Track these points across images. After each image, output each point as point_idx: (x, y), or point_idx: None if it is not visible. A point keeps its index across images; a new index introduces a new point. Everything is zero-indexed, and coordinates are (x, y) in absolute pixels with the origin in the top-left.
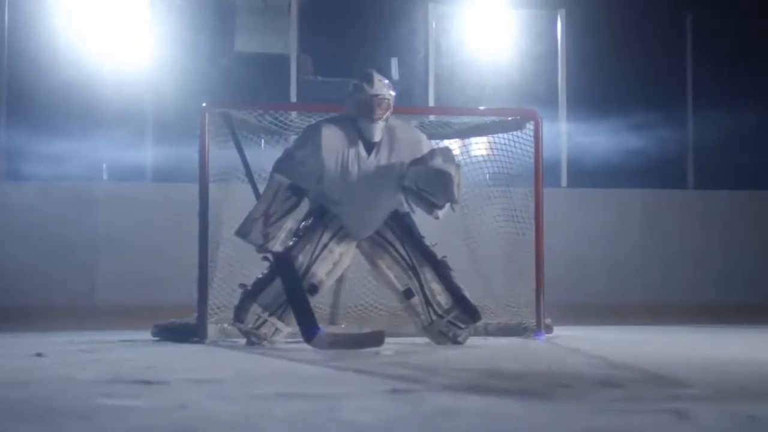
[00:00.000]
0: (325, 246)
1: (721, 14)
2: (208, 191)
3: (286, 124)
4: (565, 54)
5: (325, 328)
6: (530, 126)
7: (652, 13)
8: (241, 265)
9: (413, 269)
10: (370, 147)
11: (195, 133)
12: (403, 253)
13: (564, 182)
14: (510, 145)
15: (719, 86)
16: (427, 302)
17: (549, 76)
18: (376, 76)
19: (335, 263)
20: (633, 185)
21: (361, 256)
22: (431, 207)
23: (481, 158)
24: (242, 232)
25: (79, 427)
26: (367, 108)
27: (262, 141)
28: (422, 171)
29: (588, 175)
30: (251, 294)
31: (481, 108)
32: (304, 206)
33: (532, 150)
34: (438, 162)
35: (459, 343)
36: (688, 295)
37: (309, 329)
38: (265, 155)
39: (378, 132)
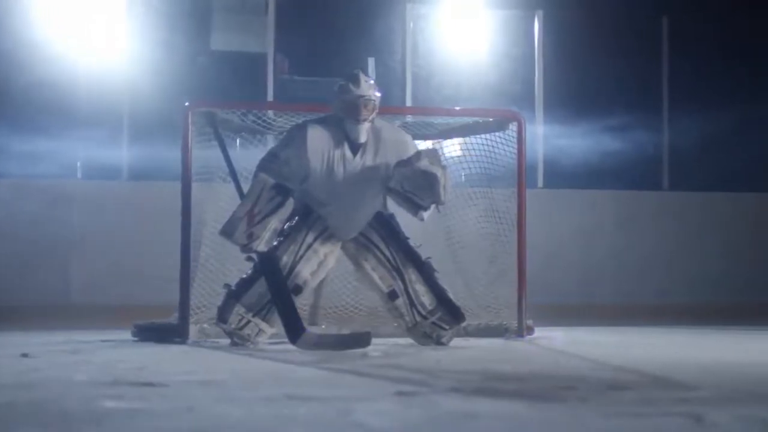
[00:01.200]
0: (309, 246)
1: (697, 16)
2: (190, 190)
3: (269, 123)
4: (542, 55)
5: (309, 329)
6: (513, 127)
7: (629, 15)
8: (222, 265)
9: (398, 270)
10: (355, 148)
11: (172, 132)
12: (388, 254)
13: (540, 183)
14: (493, 146)
15: (695, 88)
16: (411, 303)
17: (526, 77)
18: (362, 77)
19: (320, 264)
20: (608, 186)
21: (344, 257)
22: (416, 208)
23: (463, 159)
24: (226, 232)
25: (96, 430)
26: (353, 109)
27: (237, 140)
28: (408, 173)
29: (564, 175)
30: (235, 294)
31: (465, 109)
32: (289, 206)
33: (515, 151)
34: (424, 164)
35: (442, 344)
36: (662, 296)
37: (294, 330)
38: (243, 154)
39: (363, 133)
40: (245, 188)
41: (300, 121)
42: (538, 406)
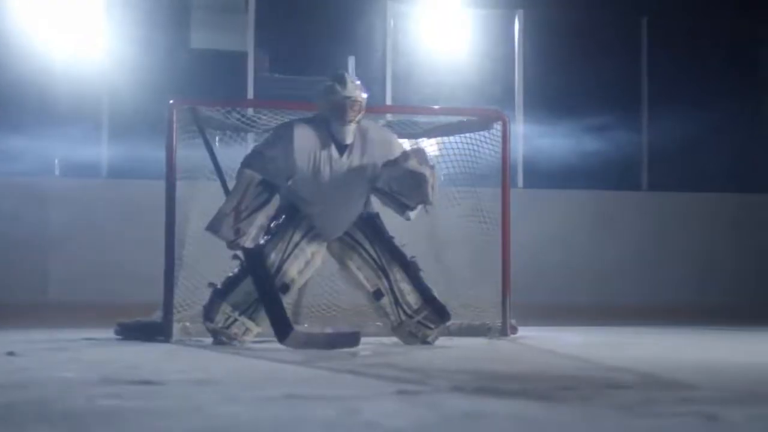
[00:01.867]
0: (296, 245)
1: (677, 17)
2: (175, 188)
3: (252, 121)
4: (522, 54)
5: (297, 328)
6: (497, 126)
7: (609, 15)
8: (206, 263)
9: (383, 270)
10: (342, 148)
11: (152, 130)
12: (373, 253)
13: (520, 183)
14: (477, 145)
15: (674, 88)
16: (397, 302)
17: (506, 77)
18: (349, 78)
19: (307, 262)
20: (588, 186)
21: (329, 256)
22: (403, 208)
23: (447, 158)
24: (213, 228)
25: (110, 430)
26: (340, 110)
27: (217, 138)
28: (396, 173)
29: (544, 175)
30: (221, 293)
31: (450, 108)
32: (275, 202)
33: (499, 150)
34: (412, 164)
35: (428, 343)
36: (641, 296)
37: (282, 328)
38: (226, 152)
39: (350, 134)
40: (231, 185)
41: (287, 120)
42: (548, 406)
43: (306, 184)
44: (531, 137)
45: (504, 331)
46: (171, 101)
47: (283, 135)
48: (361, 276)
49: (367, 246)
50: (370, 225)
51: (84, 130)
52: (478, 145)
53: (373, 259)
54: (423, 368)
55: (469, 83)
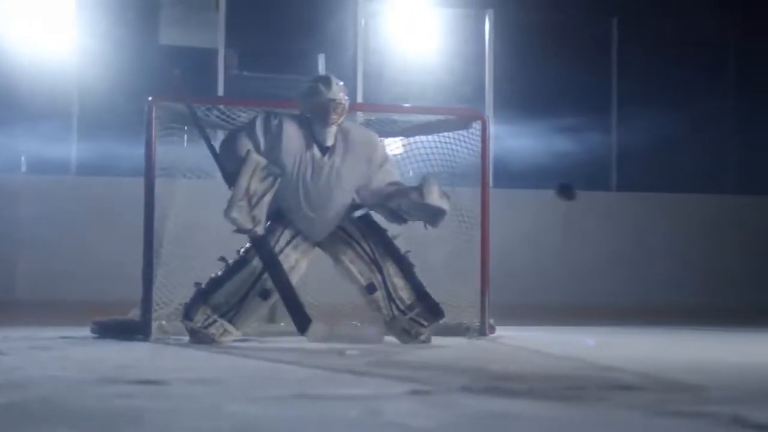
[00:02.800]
0: (281, 251)
1: (647, 18)
2: (154, 185)
3: (233, 119)
4: (492, 54)
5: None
6: (476, 126)
7: (579, 16)
8: (183, 261)
9: (376, 263)
10: (324, 149)
11: (123, 126)
12: (366, 247)
13: (490, 182)
14: (455, 145)
15: (644, 89)
16: (390, 297)
17: (476, 76)
18: (334, 80)
19: (291, 268)
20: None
21: (317, 259)
22: (399, 220)
23: (425, 157)
24: (233, 218)
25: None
26: (323, 112)
27: (185, 137)
28: (415, 201)
29: (514, 175)
30: (204, 293)
31: (429, 107)
32: (276, 187)
33: (477, 149)
34: (434, 198)
35: (422, 341)
36: (611, 297)
37: (301, 319)
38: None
39: (331, 136)
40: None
41: (270, 111)
42: (565, 407)
43: (289, 185)
44: (501, 137)
45: (482, 330)
46: (150, 98)
47: (273, 130)
48: (354, 270)
49: (360, 240)
50: (363, 219)
51: (53, 126)
52: (456, 145)
53: (366, 253)
54: (424, 368)
55: (439, 82)
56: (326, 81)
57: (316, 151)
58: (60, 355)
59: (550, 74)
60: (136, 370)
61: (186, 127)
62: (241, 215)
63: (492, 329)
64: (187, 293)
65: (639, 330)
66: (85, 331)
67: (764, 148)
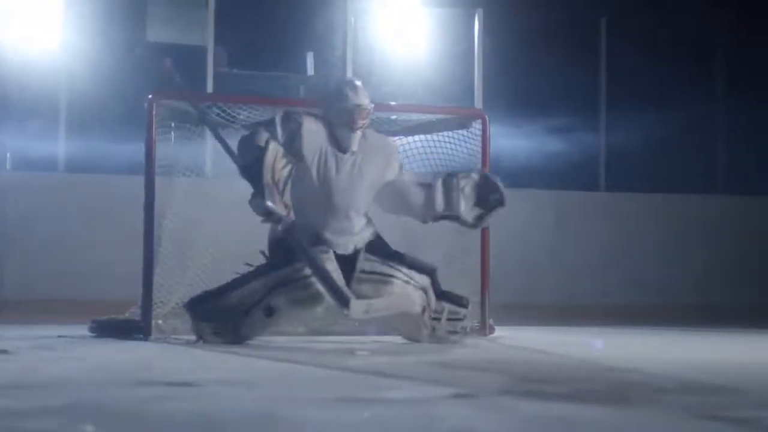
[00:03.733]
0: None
1: (635, 18)
2: (154, 183)
3: (233, 117)
4: (481, 54)
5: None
6: (476, 125)
7: (568, 16)
8: (179, 261)
9: (422, 288)
10: (345, 151)
11: (111, 123)
12: (403, 276)
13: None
14: (455, 144)
15: (633, 89)
16: (426, 311)
17: (465, 76)
18: (359, 85)
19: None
20: (546, 186)
21: None
22: (430, 215)
23: (425, 156)
24: (267, 205)
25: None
26: (349, 117)
27: (172, 135)
28: (488, 181)
29: (502, 175)
30: (213, 295)
31: (430, 106)
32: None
33: (477, 148)
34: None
35: (466, 335)
36: (599, 297)
37: (343, 297)
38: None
39: (355, 142)
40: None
41: (290, 109)
42: (620, 410)
43: (311, 181)
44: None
45: (482, 330)
46: (150, 95)
47: (291, 121)
48: (405, 301)
49: (395, 272)
50: (381, 251)
51: (41, 123)
52: (456, 144)
53: (407, 282)
54: (449, 368)
55: (428, 82)
56: (352, 85)
57: (337, 150)
58: (68, 355)
59: (540, 74)
60: (160, 371)
61: (188, 125)
62: (275, 201)
63: (492, 329)
64: (184, 292)
65: (637, 330)
66: (78, 330)
67: (754, 148)
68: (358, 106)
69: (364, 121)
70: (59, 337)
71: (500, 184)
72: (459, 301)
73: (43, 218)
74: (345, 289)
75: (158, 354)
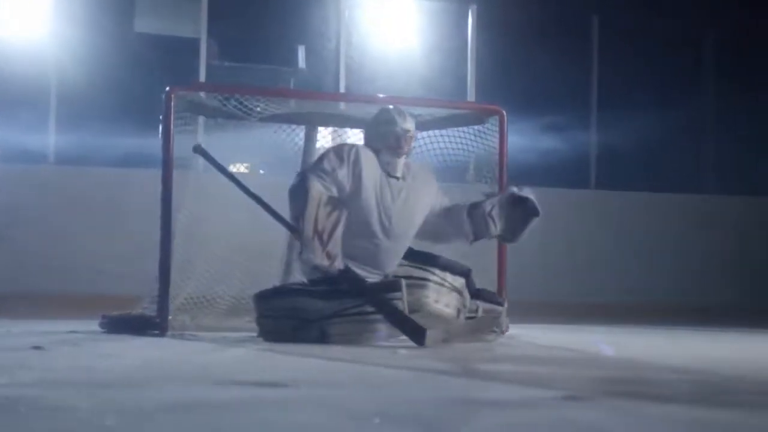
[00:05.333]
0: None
1: (628, 15)
2: (171, 178)
3: (249, 109)
4: (475, 49)
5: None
6: (492, 121)
7: (561, 13)
8: (190, 256)
9: (458, 291)
10: (393, 175)
11: (102, 116)
12: (438, 279)
13: (471, 179)
14: (470, 139)
15: (624, 87)
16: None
17: (458, 71)
18: (405, 111)
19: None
20: (536, 183)
21: None
22: (478, 234)
23: (438, 151)
24: (307, 259)
25: None
26: (396, 142)
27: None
28: (511, 195)
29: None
30: (278, 293)
31: (446, 101)
32: (344, 217)
33: (491, 144)
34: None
35: (503, 331)
36: (586, 295)
37: (416, 332)
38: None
39: (400, 167)
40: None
41: (344, 143)
42: (745, 413)
43: (369, 210)
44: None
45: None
46: (168, 87)
47: (348, 154)
48: (441, 306)
49: (430, 275)
50: (414, 255)
51: (30, 115)
52: (471, 139)
53: (441, 284)
54: (520, 366)
55: (422, 76)
56: (399, 111)
57: (389, 176)
58: (104, 353)
59: (532, 71)
60: (229, 371)
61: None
62: (315, 255)
63: (507, 328)
64: (193, 288)
65: (635, 330)
66: (82, 325)
67: (742, 147)
68: (406, 131)
69: (408, 147)
70: (70, 332)
71: (530, 196)
72: (494, 299)
73: (32, 210)
74: (416, 323)
75: (199, 351)
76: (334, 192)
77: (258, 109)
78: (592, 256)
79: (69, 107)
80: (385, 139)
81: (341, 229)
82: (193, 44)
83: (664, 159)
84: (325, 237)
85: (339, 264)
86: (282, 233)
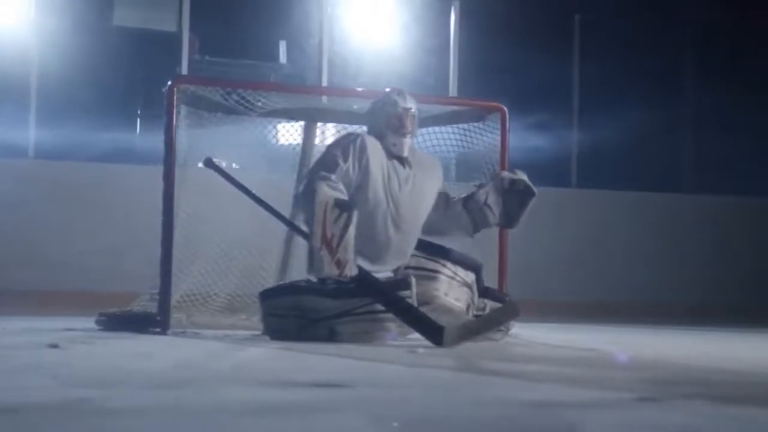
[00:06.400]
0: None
1: (609, 14)
2: (174, 172)
3: (252, 104)
4: (457, 46)
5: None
6: (492, 118)
7: (543, 11)
8: (187, 253)
9: (466, 284)
10: (401, 160)
11: (81, 110)
12: (449, 272)
13: (453, 177)
14: (469, 136)
15: (605, 86)
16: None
17: (440, 68)
18: (405, 91)
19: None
20: None
21: None
22: (477, 226)
23: (438, 148)
24: (316, 271)
25: None
26: (399, 121)
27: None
28: (506, 184)
29: (472, 169)
30: (293, 290)
31: (447, 98)
32: (355, 216)
33: (491, 141)
34: (526, 178)
35: (509, 332)
36: (567, 294)
37: (434, 332)
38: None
39: (407, 146)
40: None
41: (348, 132)
42: None
43: (378, 201)
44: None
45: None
46: (169, 81)
47: (353, 144)
48: (452, 300)
49: (440, 267)
50: (425, 247)
51: (10, 108)
52: (471, 136)
53: (452, 278)
54: (562, 368)
55: (404, 72)
56: (399, 92)
57: (396, 163)
58: (122, 352)
59: (513, 69)
60: (271, 370)
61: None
62: (324, 265)
63: (512, 326)
64: (189, 286)
65: (627, 329)
66: (74, 323)
67: (721, 147)
68: (408, 109)
69: (411, 126)
70: (68, 330)
71: (522, 177)
72: (501, 297)
73: (11, 205)
74: (433, 322)
75: (222, 350)
76: (342, 190)
77: (259, 104)
78: (572, 255)
79: (49, 101)
80: (388, 121)
81: (353, 231)
82: (172, 38)
83: (645, 158)
84: (334, 244)
85: (351, 270)
86: (279, 229)
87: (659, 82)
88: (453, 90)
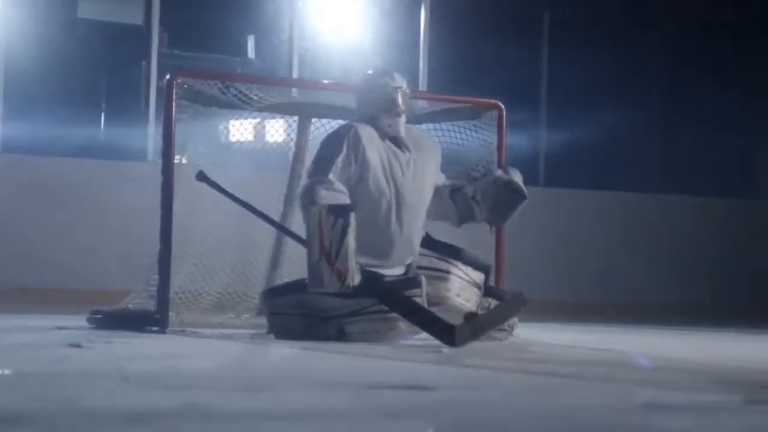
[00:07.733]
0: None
1: (579, 12)
2: (173, 166)
3: (249, 98)
4: (427, 43)
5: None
6: (488, 115)
7: (512, 9)
8: (181, 249)
9: (475, 284)
10: (398, 142)
11: (50, 103)
12: (460, 272)
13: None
14: (465, 134)
15: (573, 85)
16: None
17: (410, 65)
18: (392, 70)
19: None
20: None
21: None
22: (464, 218)
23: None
24: (316, 284)
25: None
26: (391, 101)
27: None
28: (500, 183)
29: (441, 168)
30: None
31: (444, 95)
32: (353, 220)
33: (487, 139)
34: (519, 178)
35: (512, 332)
36: (537, 293)
37: (446, 332)
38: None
39: (402, 127)
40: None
41: (339, 126)
42: None
43: (378, 186)
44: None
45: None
46: (168, 75)
47: (346, 137)
48: (462, 300)
49: (451, 267)
50: (435, 246)
51: None
52: (466, 134)
53: (461, 278)
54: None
55: (374, 68)
56: (387, 71)
57: (395, 147)
58: (134, 353)
59: (483, 67)
60: (322, 373)
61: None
62: (324, 278)
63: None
64: (182, 282)
65: (620, 330)
66: (58, 321)
67: (690, 146)
68: (398, 88)
69: (404, 105)
70: (58, 328)
71: (516, 179)
72: (502, 296)
73: None
74: (444, 322)
75: (249, 351)
76: (342, 190)
77: (255, 98)
78: (538, 255)
79: (16, 95)
80: (379, 103)
81: (352, 236)
82: (138, 31)
83: (613, 157)
84: (333, 252)
85: (353, 279)
86: (269, 226)
87: (628, 81)
88: (422, 86)
